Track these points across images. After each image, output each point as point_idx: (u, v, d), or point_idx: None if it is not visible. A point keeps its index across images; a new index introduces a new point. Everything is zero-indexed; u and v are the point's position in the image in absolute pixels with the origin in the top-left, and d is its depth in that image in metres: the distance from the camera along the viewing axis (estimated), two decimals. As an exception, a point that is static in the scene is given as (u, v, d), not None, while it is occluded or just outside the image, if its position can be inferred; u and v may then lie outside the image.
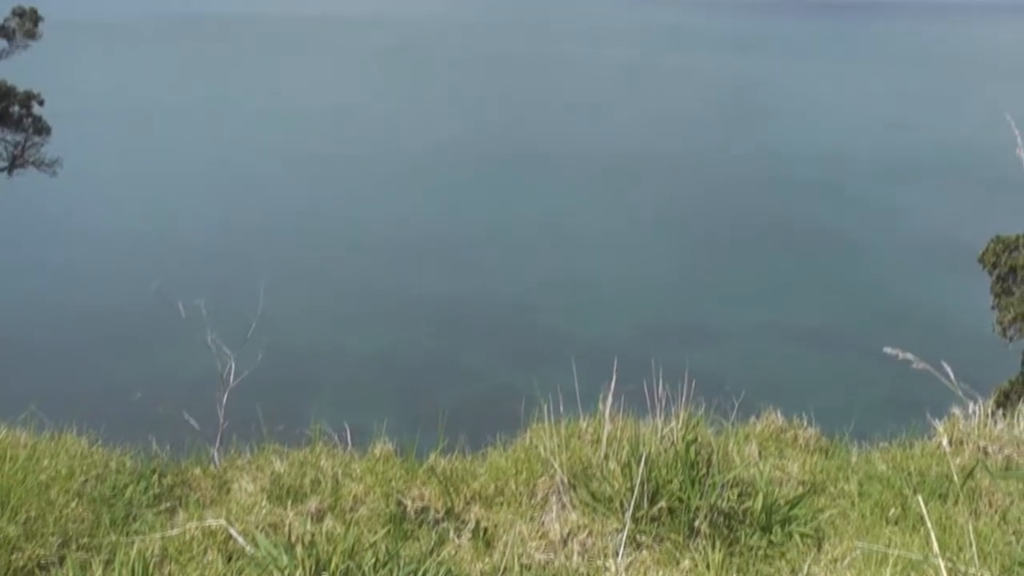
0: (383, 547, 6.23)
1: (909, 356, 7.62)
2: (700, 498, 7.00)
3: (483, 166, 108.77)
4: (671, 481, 7.10)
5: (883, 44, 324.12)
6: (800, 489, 7.69)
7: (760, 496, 7.14)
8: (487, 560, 6.80)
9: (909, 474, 7.93)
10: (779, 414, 9.30)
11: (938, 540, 5.91)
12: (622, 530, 6.90)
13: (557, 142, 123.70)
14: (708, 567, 6.63)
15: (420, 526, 7.25)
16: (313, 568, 5.93)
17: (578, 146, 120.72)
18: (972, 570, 6.03)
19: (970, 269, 30.27)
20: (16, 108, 41.22)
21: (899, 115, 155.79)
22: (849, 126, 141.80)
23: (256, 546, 6.28)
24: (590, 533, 7.05)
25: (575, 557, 6.87)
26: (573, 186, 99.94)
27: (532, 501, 7.52)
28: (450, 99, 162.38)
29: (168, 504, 7.36)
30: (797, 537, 7.00)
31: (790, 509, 7.18)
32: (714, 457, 7.38)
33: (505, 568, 6.60)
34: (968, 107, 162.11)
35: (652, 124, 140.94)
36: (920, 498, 6.38)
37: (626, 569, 6.74)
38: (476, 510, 7.44)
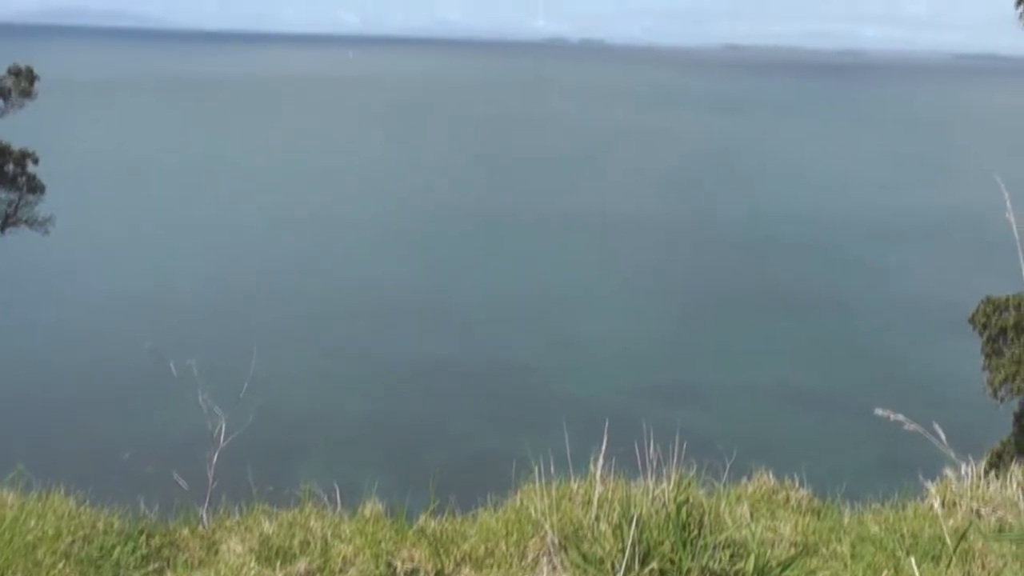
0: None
1: (900, 417, 7.63)
2: (692, 560, 6.96)
3: (474, 227, 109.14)
4: (662, 543, 7.07)
5: (873, 106, 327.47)
6: (792, 550, 7.65)
7: (752, 557, 7.10)
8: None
9: (902, 536, 7.90)
10: (771, 475, 9.28)
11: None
12: (613, 592, 6.84)
13: (547, 202, 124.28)
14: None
15: (410, 588, 7.19)
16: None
17: (569, 206, 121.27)
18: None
19: (961, 330, 30.32)
20: (11, 167, 41.35)
21: (889, 176, 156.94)
22: (839, 187, 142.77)
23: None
24: (581, 595, 6.99)
25: (566, 620, 6.80)
26: (564, 247, 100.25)
27: (523, 563, 7.47)
28: (441, 159, 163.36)
29: (156, 565, 7.29)
30: (790, 599, 6.95)
31: (782, 571, 7.14)
32: (706, 518, 7.35)
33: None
34: (957, 169, 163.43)
35: (643, 184, 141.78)
36: (913, 560, 6.35)
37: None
38: (467, 572, 7.39)
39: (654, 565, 6.98)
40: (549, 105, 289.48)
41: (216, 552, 7.64)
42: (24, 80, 41.60)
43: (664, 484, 7.62)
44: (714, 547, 7.09)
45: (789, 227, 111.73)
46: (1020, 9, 22.85)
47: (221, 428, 8.82)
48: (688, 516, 7.24)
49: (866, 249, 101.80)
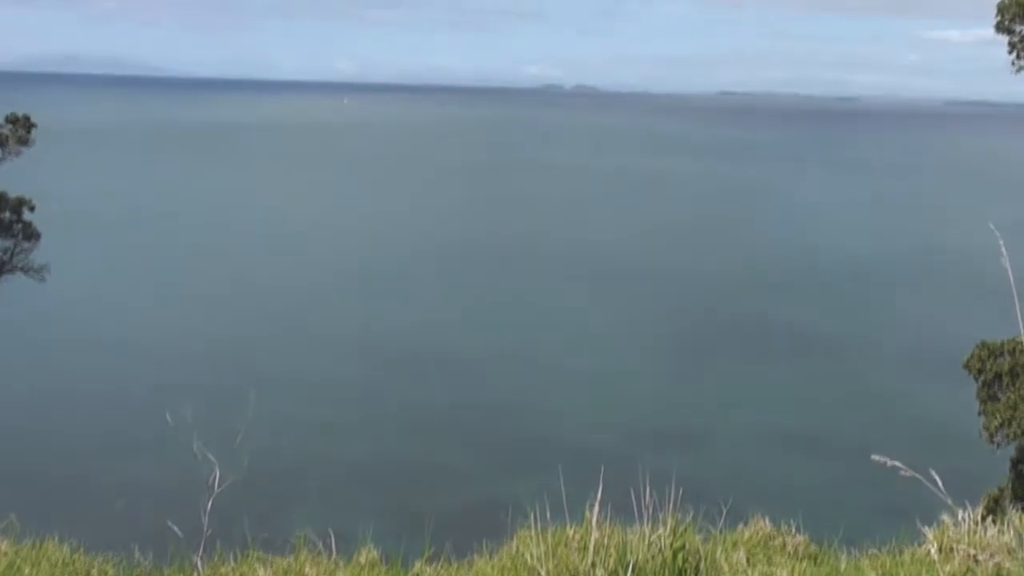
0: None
1: (897, 464, 7.63)
2: (688, 606, 6.93)
3: (468, 271, 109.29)
4: (659, 589, 7.04)
5: (868, 151, 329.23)
6: (789, 597, 7.61)
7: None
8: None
9: (899, 582, 7.86)
10: (767, 520, 9.26)
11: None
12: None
13: (543, 246, 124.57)
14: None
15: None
16: None
17: (565, 250, 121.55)
18: None
19: (956, 373, 30.33)
20: (7, 214, 41.47)
21: (884, 220, 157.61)
22: (835, 231, 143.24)
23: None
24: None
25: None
26: (560, 290, 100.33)
27: (519, 610, 7.42)
28: (436, 204, 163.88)
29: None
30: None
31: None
32: (702, 564, 7.33)
33: None
34: (952, 213, 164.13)
35: (639, 228, 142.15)
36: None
37: None
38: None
39: (651, 612, 6.94)
40: (544, 150, 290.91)
41: (210, 600, 7.59)
42: (21, 128, 41.83)
43: (660, 530, 7.60)
44: (711, 593, 7.06)
45: (785, 271, 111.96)
46: (1012, 55, 23.10)
47: (216, 475, 8.80)
48: (684, 562, 7.22)
49: (862, 293, 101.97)
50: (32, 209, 42.00)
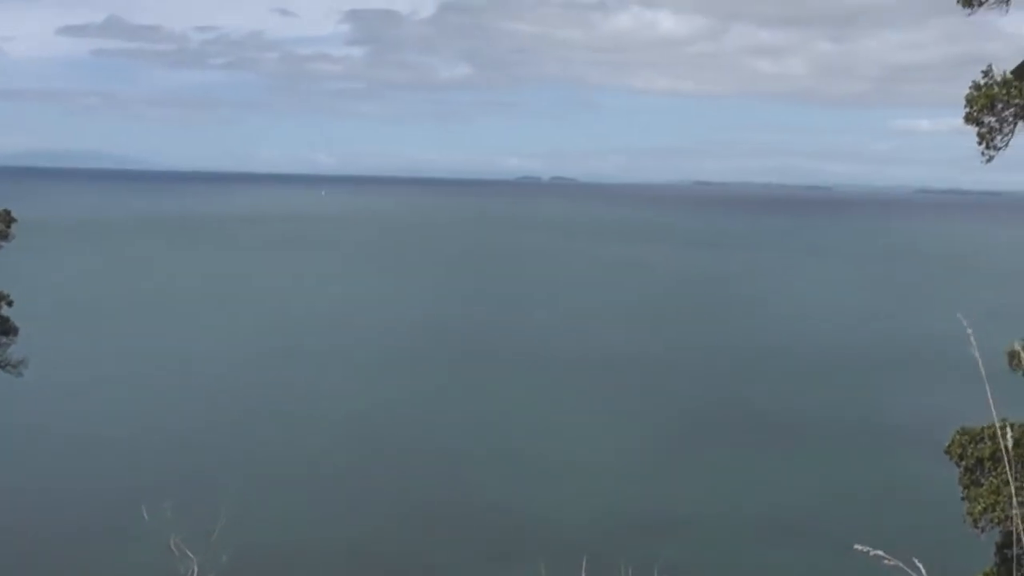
0: None
1: (880, 553, 7.61)
2: None
3: (450, 360, 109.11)
4: None
5: (843, 238, 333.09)
6: None
7: None
8: None
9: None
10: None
11: None
12: None
13: (525, 335, 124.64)
14: None
15: None
16: None
17: (546, 339, 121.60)
18: None
19: (936, 457, 30.34)
20: (-16, 309, 41.23)
21: (862, 306, 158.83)
22: (815, 318, 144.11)
23: None
24: None
25: None
26: (542, 379, 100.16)
27: None
28: (416, 295, 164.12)
29: None
30: None
31: None
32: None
33: None
34: (928, 298, 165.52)
35: (620, 317, 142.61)
36: None
37: None
38: None
39: None
40: (523, 240, 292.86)
41: None
42: (1, 222, 41.86)
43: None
44: None
45: (764, 358, 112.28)
46: (982, 146, 23.55)
47: (194, 571, 8.71)
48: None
49: (841, 378, 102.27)
50: (10, 304, 41.84)
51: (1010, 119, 22.92)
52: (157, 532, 9.53)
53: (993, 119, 22.91)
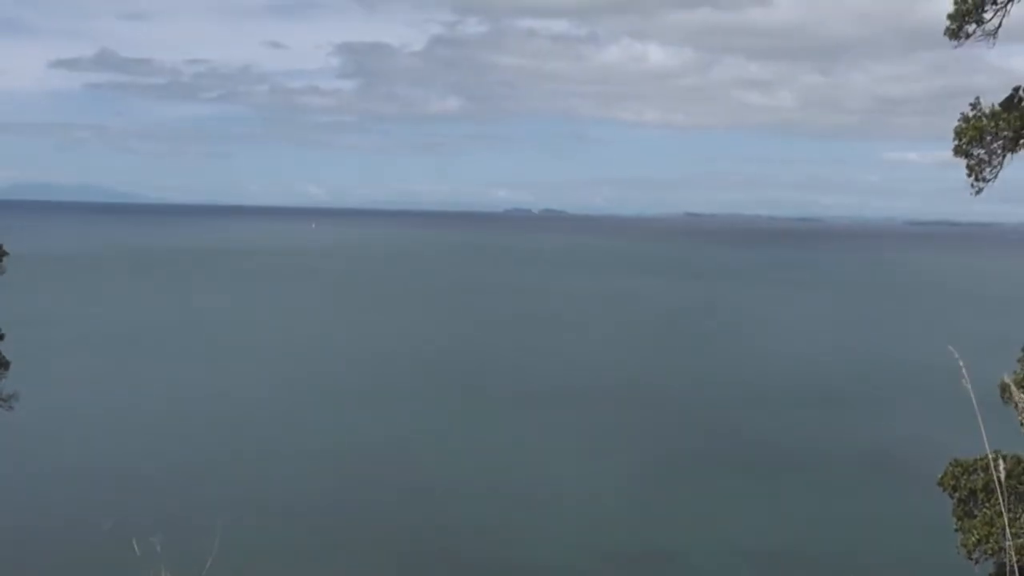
0: None
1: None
2: None
3: (441, 393, 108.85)
4: None
5: (833, 270, 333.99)
6: None
7: None
8: None
9: None
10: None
11: None
12: None
13: (513, 367, 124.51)
14: None
15: None
16: None
17: (535, 370, 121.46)
18: None
19: (929, 489, 30.32)
20: (-26, 343, 41.05)
21: (852, 337, 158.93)
22: (804, 350, 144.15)
23: None
24: None
25: None
26: (529, 411, 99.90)
27: None
28: (405, 326, 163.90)
29: None
30: None
31: None
32: None
33: None
34: (918, 329, 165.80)
35: (610, 348, 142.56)
36: None
37: None
38: None
39: None
40: (512, 271, 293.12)
41: None
42: (-8, 256, 41.74)
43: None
44: None
45: (757, 390, 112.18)
46: (971, 178, 23.69)
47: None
48: None
49: (832, 408, 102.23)
50: (2, 337, 41.72)
51: (999, 151, 23.08)
52: (147, 566, 9.44)
53: (982, 151, 23.08)
